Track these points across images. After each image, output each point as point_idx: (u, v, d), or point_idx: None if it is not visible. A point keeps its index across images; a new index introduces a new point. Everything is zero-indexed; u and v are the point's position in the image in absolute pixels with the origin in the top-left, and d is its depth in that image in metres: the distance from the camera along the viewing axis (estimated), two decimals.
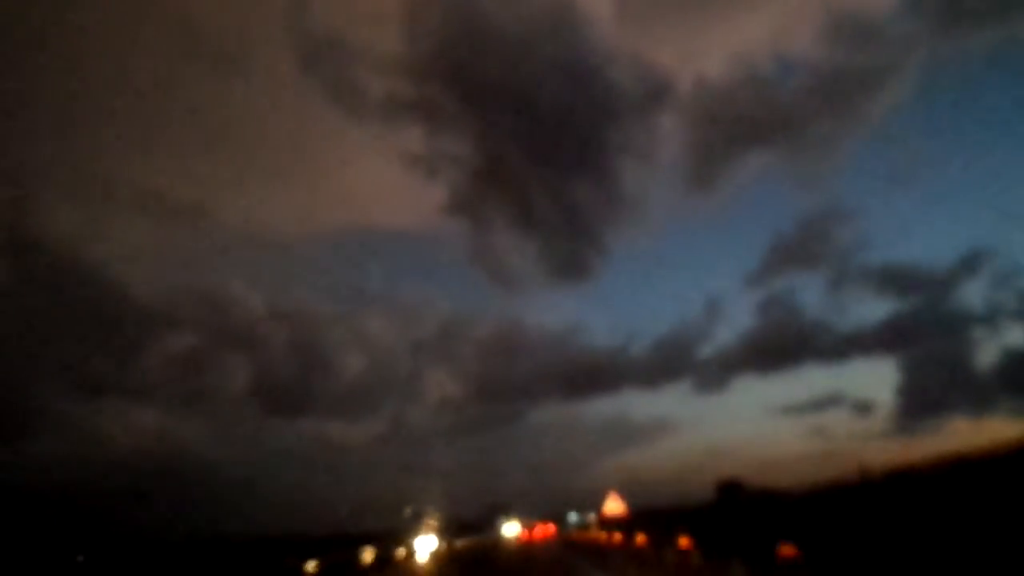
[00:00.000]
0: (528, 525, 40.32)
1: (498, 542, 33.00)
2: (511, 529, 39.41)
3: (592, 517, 32.16)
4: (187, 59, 55.92)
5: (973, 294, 60.10)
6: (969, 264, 44.93)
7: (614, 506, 26.79)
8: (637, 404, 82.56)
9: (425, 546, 29.02)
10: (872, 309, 74.54)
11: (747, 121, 53.53)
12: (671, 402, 74.67)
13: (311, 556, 19.49)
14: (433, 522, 34.88)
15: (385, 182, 70.71)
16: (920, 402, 42.30)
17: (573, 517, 38.50)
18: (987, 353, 57.59)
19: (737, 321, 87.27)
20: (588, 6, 59.47)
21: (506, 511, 41.85)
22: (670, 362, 58.11)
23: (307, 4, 56.20)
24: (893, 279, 48.32)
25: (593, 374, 58.32)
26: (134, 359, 45.87)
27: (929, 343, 46.71)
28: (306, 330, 53.87)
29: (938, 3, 47.56)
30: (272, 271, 71.80)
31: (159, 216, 54.12)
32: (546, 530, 36.41)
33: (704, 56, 70.06)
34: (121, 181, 54.07)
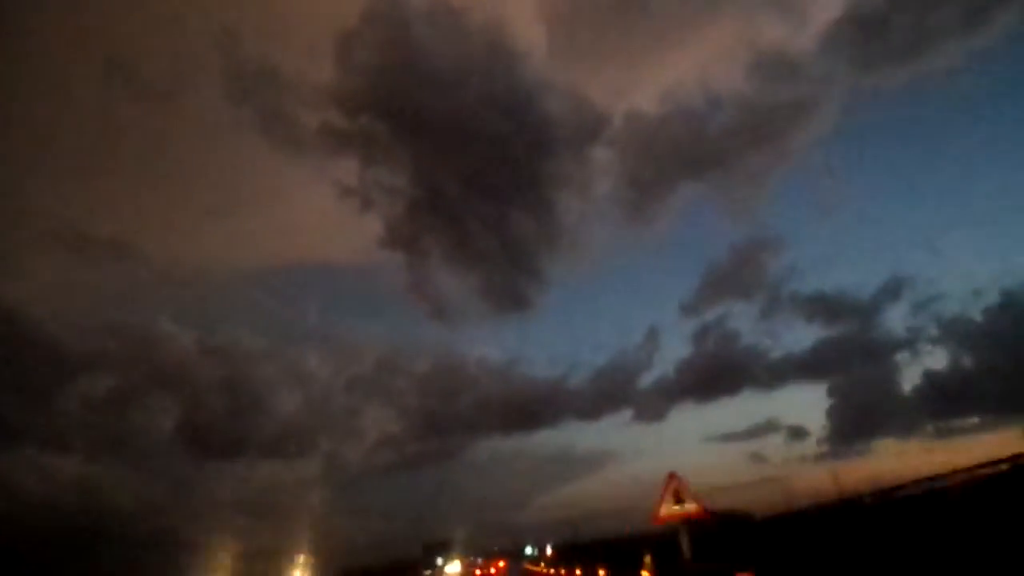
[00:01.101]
0: (473, 564, 39.06)
1: None
2: (453, 569, 37.81)
3: (549, 550, 32.14)
4: (115, 91, 53.68)
5: (895, 320, 64.42)
6: (891, 291, 48.33)
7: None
8: (579, 436, 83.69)
9: None
10: (803, 336, 79.17)
11: (679, 154, 56.66)
12: (612, 433, 76.20)
13: None
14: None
15: (319, 215, 69.54)
16: (850, 426, 44.83)
17: (528, 550, 37.98)
18: (910, 377, 61.66)
19: (675, 350, 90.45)
20: (522, 41, 61.54)
21: (445, 550, 39.82)
22: (610, 393, 59.25)
23: (239, 36, 55.25)
24: (821, 306, 51.68)
25: (534, 407, 58.69)
26: (52, 403, 42.24)
27: (856, 368, 49.58)
28: (238, 368, 51.55)
29: (855, 43, 52.36)
30: (202, 307, 68.52)
31: (82, 253, 50.83)
32: (496, 568, 35.38)
33: (636, 91, 73.91)
34: (41, 216, 50.63)
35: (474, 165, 55.05)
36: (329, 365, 63.16)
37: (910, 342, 45.22)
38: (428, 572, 37.24)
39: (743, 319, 79.20)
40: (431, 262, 67.20)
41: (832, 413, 45.95)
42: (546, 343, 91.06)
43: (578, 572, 23.65)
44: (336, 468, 53.44)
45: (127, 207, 57.86)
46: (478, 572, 34.83)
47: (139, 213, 59.70)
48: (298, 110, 57.46)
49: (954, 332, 43.02)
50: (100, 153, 55.68)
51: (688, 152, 56.35)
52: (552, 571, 24.55)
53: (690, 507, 5.90)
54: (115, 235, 52.67)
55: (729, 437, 56.80)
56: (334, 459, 54.67)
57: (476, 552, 43.44)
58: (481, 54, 47.78)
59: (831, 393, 47.54)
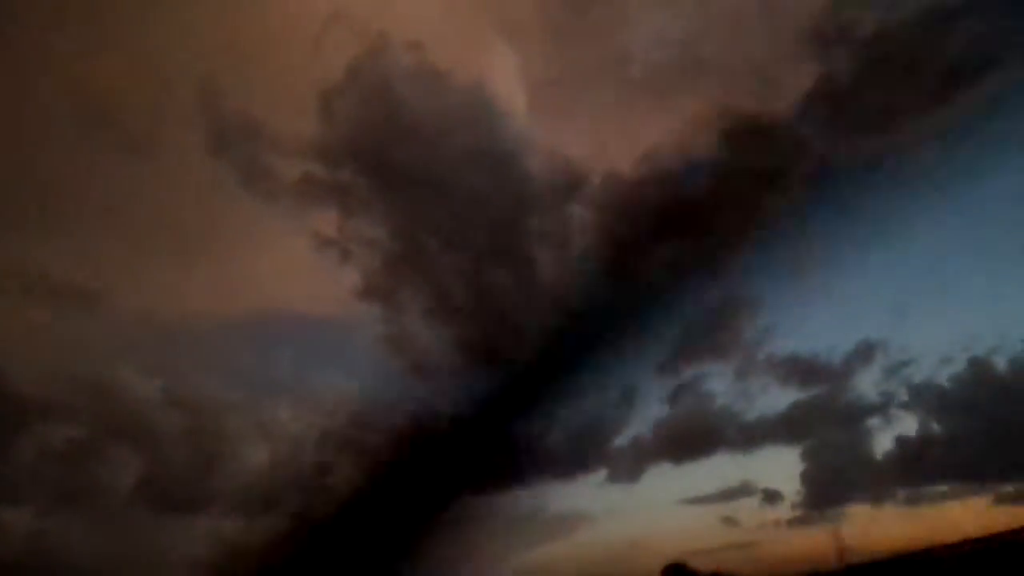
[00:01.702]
0: None
1: None
2: None
3: None
4: (90, 137, 54.62)
5: (867, 384, 62.58)
6: (862, 354, 47.26)
7: None
8: (552, 496, 79.31)
9: None
10: (777, 399, 75.75)
11: (654, 215, 55.73)
12: (586, 495, 71.88)
13: None
14: None
15: (296, 266, 68.66)
16: (823, 490, 43.74)
17: None
18: (881, 442, 59.87)
19: (650, 410, 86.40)
20: (504, 99, 62.04)
21: None
22: (585, 453, 56.32)
23: (220, 87, 56.16)
24: (795, 369, 50.02)
25: (507, 464, 55.78)
26: (6, 455, 40.99)
27: (829, 432, 48.43)
28: (206, 420, 49.79)
29: (828, 112, 52.38)
30: (171, 357, 66.69)
31: (47, 300, 50.44)
32: None
33: (614, 153, 73.33)
34: (3, 261, 50.62)
35: (453, 220, 54.91)
36: (300, 419, 60.67)
37: (882, 407, 44.05)
38: None
39: (718, 381, 75.66)
40: (408, 315, 65.77)
41: (806, 477, 45.13)
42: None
43: None
44: (304, 527, 50.64)
45: (97, 255, 57.12)
46: None
47: (109, 261, 58.64)
48: (278, 162, 57.47)
49: (923, 398, 42.84)
50: (72, 201, 55.76)
51: (664, 213, 55.74)
52: None
53: None
54: (82, 283, 52.29)
55: (703, 499, 54.00)
56: (302, 517, 51.67)
57: None
58: (464, 111, 48.43)
59: (804, 457, 46.10)
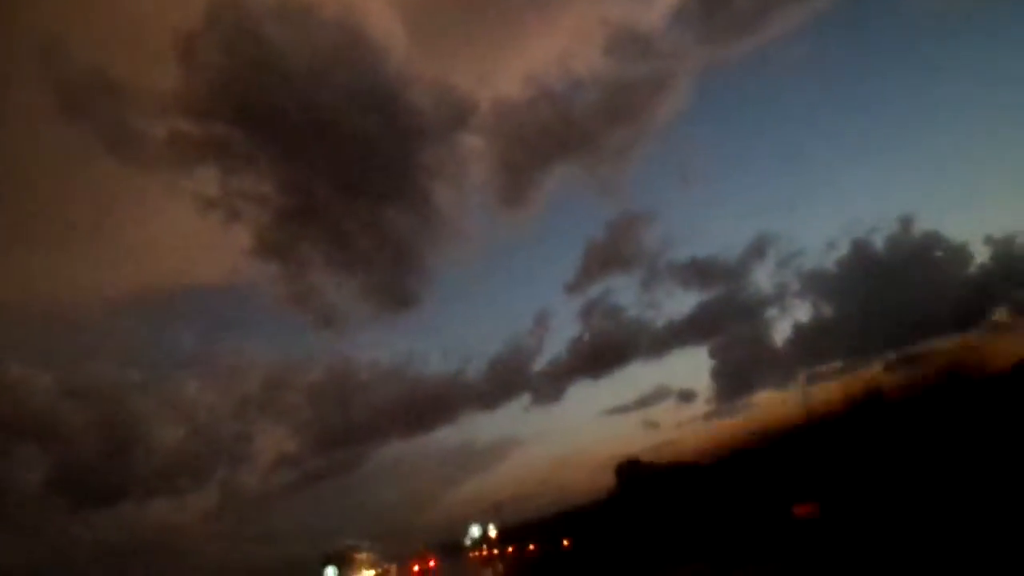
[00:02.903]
0: (386, 572, 36.38)
1: None
2: None
3: (493, 532, 29.95)
4: None
5: (763, 278, 69.71)
6: (756, 250, 51.65)
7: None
8: (479, 427, 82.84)
9: None
10: (682, 302, 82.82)
11: (546, 137, 56.03)
12: (512, 420, 76.36)
13: None
14: None
15: (181, 232, 62.45)
16: (732, 383, 47.46)
17: (476, 531, 35.06)
18: (780, 331, 67.08)
19: (564, 331, 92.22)
20: (379, 32, 57.82)
21: (348, 557, 33.76)
22: (506, 380, 58.25)
23: (65, 45, 47.26)
24: (695, 272, 53.41)
25: (431, 404, 56.87)
26: None
27: (732, 328, 52.95)
28: (110, 406, 45.40)
29: (701, 15, 53.46)
30: (61, 346, 59.63)
31: None
32: (423, 567, 33.48)
33: (499, 77, 72.52)
34: None
35: (343, 163, 51.55)
36: (212, 390, 57.37)
37: (777, 297, 48.03)
38: None
39: (625, 293, 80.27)
40: (309, 269, 62.69)
41: (715, 373, 48.51)
42: (437, 337, 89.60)
43: (531, 547, 22.13)
44: (233, 497, 48.60)
45: None
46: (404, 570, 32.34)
47: None
48: (142, 121, 49.97)
49: (814, 284, 46.60)
50: None
51: (555, 133, 56.37)
52: (509, 550, 23.18)
53: None
54: None
55: (623, 409, 58.21)
56: (229, 488, 49.66)
57: (390, 558, 40.24)
58: (337, 48, 44.35)
59: (712, 354, 49.72)
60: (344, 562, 33.05)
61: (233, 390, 58.97)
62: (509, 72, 73.93)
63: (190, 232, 62.84)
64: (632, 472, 23.54)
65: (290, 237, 55.58)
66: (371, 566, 35.53)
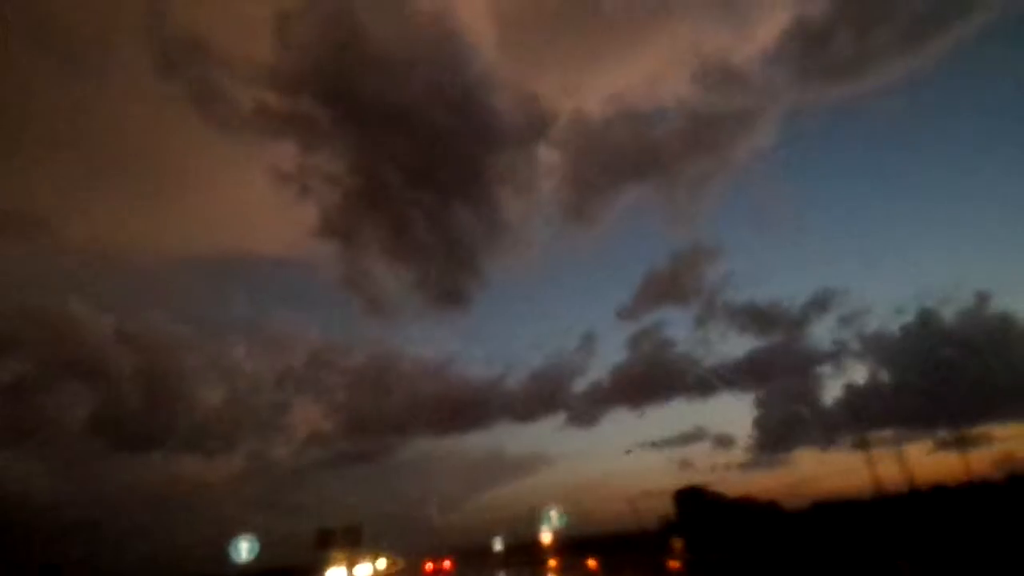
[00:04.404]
0: (396, 559, 35.23)
1: None
2: (362, 571, 28.81)
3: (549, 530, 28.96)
4: (34, 56, 47.40)
5: (822, 333, 66.22)
6: (819, 303, 50.32)
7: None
8: (510, 438, 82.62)
9: None
10: (735, 345, 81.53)
11: (622, 157, 56.31)
12: (544, 437, 76.19)
13: None
14: None
15: (252, 201, 64.67)
16: (774, 435, 46.87)
17: (498, 547, 31.72)
18: (831, 389, 64.04)
19: (610, 355, 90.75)
20: (472, 32, 58.86)
21: (351, 541, 27.17)
22: (544, 396, 58.61)
23: (167, 6, 49.72)
24: (754, 317, 52.87)
25: (468, 407, 57.60)
26: None
27: (782, 379, 50.99)
28: (160, 357, 47.58)
29: (798, 56, 53.03)
30: (123, 293, 62.48)
31: None
32: (440, 565, 32.19)
33: (583, 92, 72.54)
34: None
35: (417, 156, 52.92)
36: (257, 358, 58.95)
37: (834, 355, 47.62)
38: None
39: (678, 327, 78.85)
40: (368, 254, 64.46)
41: (758, 423, 47.64)
42: (482, 342, 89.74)
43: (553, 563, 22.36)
44: (261, 465, 50.15)
45: (43, 180, 51.23)
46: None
47: (56, 188, 52.96)
48: (232, 88, 52.80)
49: (874, 347, 45.26)
50: (16, 120, 48.81)
51: (631, 155, 56.61)
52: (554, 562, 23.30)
53: None
54: (32, 214, 47.02)
55: (658, 444, 57.90)
56: (259, 455, 51.19)
57: (403, 551, 38.94)
58: (429, 42, 45.69)
59: (758, 403, 48.61)
60: (350, 544, 27.20)
61: (277, 361, 60.77)
62: (593, 88, 74.20)
63: (260, 202, 65.28)
64: (696, 500, 23.64)
65: (354, 220, 57.37)
66: (381, 557, 33.53)
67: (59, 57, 47.87)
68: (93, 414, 43.58)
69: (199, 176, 60.95)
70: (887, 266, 64.98)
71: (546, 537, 26.87)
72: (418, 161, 53.56)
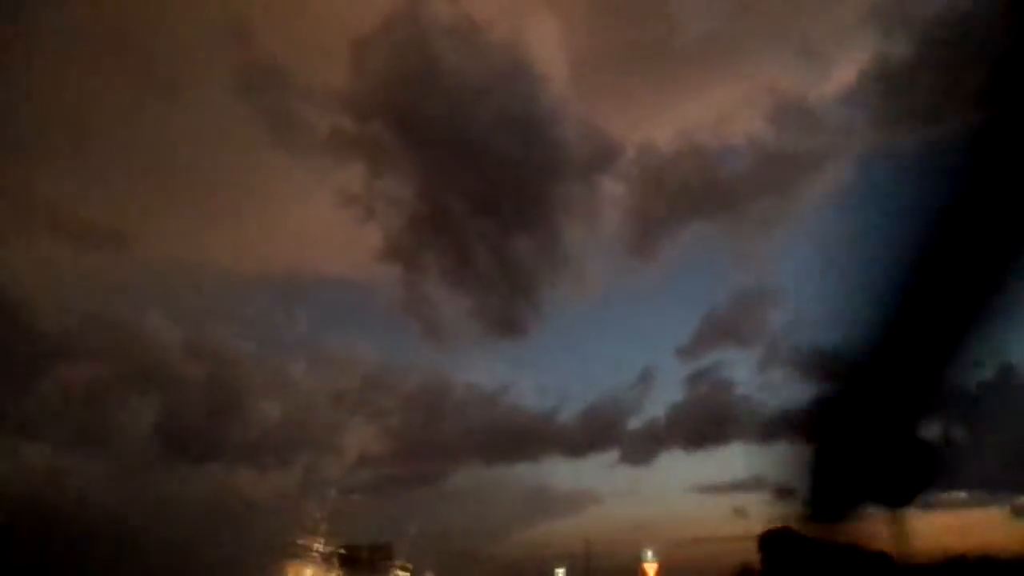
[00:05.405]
0: None
1: None
2: None
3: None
4: (118, 78, 50.71)
5: None
6: None
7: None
8: (560, 473, 79.96)
9: None
10: (800, 392, 78.26)
11: (689, 194, 56.48)
12: (595, 474, 73.64)
13: None
14: None
15: (319, 221, 66.49)
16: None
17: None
18: None
19: (667, 394, 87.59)
20: (543, 63, 60.51)
21: (381, 556, 25.88)
22: (597, 432, 57.53)
23: (249, 30, 52.93)
24: (817, 364, 51.11)
25: (518, 438, 56.91)
26: (29, 390, 39.18)
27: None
28: (223, 371, 48.80)
29: (876, 97, 53.11)
30: (192, 307, 63.78)
31: (74, 240, 47.48)
32: None
33: (651, 126, 72.85)
34: (33, 200, 47.18)
35: (482, 184, 54.05)
36: (314, 377, 59.59)
37: None
38: None
39: (739, 369, 76.01)
40: (428, 279, 65.06)
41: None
42: (537, 373, 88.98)
43: None
44: (311, 483, 50.55)
45: (126, 200, 53.98)
46: None
47: (138, 206, 55.25)
48: (307, 112, 55.08)
49: (949, 403, 43.97)
50: (100, 138, 51.78)
51: (698, 192, 56.69)
52: None
53: None
54: (111, 227, 49.25)
55: (713, 489, 55.72)
56: (311, 474, 51.47)
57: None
58: (500, 72, 47.27)
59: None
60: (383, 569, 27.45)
61: (333, 382, 61.79)
62: (662, 122, 75.28)
63: (326, 223, 67.05)
64: (785, 543, 22.72)
65: (417, 245, 58.37)
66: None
67: (141, 80, 50.46)
68: (156, 423, 44.50)
69: (268, 195, 63.21)
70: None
71: (650, 569, 25.61)
72: (483, 189, 54.81)
